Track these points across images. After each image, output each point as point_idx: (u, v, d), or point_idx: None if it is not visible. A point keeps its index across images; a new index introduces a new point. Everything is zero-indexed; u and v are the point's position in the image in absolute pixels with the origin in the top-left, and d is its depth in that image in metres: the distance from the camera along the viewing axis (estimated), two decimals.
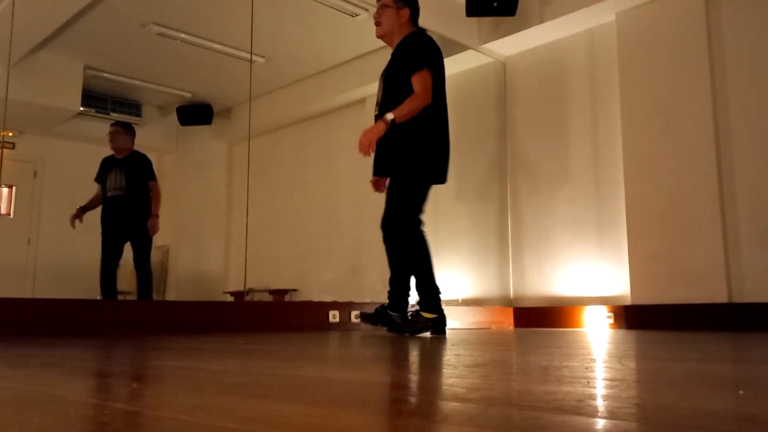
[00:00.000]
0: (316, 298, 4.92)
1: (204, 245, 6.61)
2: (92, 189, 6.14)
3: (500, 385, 1.02)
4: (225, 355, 1.76)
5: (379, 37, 3.18)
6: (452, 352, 1.90)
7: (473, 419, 0.69)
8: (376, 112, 3.14)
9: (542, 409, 0.75)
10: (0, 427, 0.64)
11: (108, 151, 5.02)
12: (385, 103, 3.08)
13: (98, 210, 4.88)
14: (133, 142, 4.85)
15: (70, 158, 5.95)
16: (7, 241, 5.48)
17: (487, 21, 5.33)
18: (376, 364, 1.55)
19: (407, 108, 2.97)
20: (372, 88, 4.38)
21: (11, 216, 5.26)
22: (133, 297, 5.70)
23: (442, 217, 5.63)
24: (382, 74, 3.22)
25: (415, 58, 3.06)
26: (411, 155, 3.06)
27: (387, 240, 3.12)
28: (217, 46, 5.63)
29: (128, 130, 4.88)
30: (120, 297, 5.71)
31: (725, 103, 4.23)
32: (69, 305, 3.16)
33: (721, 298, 4.02)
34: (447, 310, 3.40)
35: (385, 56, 3.30)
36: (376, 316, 3.21)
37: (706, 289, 4.08)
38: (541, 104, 5.30)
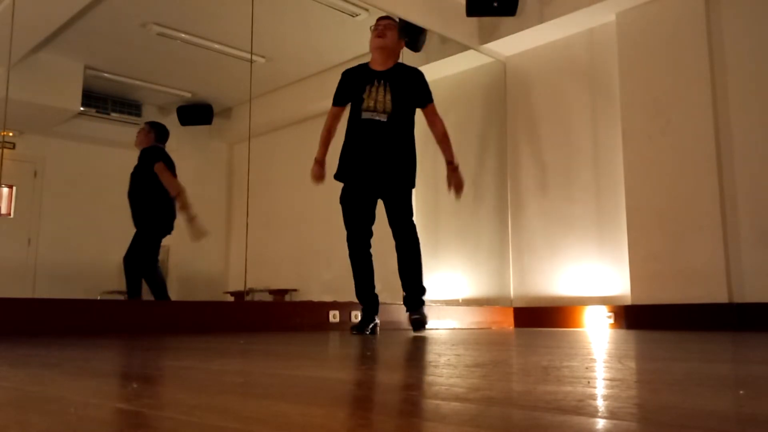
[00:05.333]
0: (316, 298, 4.92)
1: (204, 245, 6.59)
2: (91, 189, 6.14)
3: (500, 385, 1.02)
4: (225, 355, 1.76)
5: (381, 47, 3.45)
6: (452, 352, 1.90)
7: (473, 419, 0.69)
8: (380, 118, 3.33)
9: (542, 409, 0.75)
10: (0, 427, 0.64)
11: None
12: (395, 115, 3.34)
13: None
14: (151, 139, 4.79)
15: (70, 158, 5.94)
16: (7, 241, 5.48)
17: (487, 21, 5.33)
18: (376, 364, 1.55)
19: (450, 145, 3.47)
20: None
21: (11, 216, 5.26)
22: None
23: (442, 217, 5.63)
24: (383, 82, 3.39)
25: (429, 92, 3.48)
26: (414, 167, 3.43)
27: (409, 235, 3.34)
28: (217, 46, 5.63)
29: (151, 128, 4.88)
30: (121, 297, 5.71)
31: (725, 102, 4.23)
32: (69, 305, 3.16)
33: (722, 297, 4.02)
34: (447, 310, 3.44)
35: None
36: (423, 317, 3.32)
37: (706, 288, 4.08)
38: (541, 104, 5.30)
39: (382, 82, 3.38)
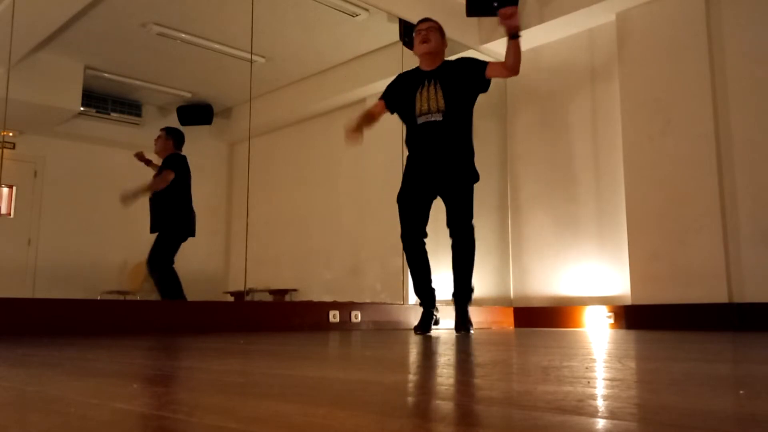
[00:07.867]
0: (316, 298, 4.92)
1: (204, 245, 6.61)
2: (91, 189, 6.13)
3: (500, 385, 1.02)
4: (225, 355, 1.76)
5: (427, 52, 3.48)
6: (452, 352, 1.90)
7: (473, 419, 0.69)
8: (436, 118, 3.36)
9: (542, 409, 0.75)
10: (0, 427, 0.64)
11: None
12: (450, 112, 3.38)
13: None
14: (170, 146, 4.79)
15: (70, 158, 5.95)
16: (7, 241, 5.48)
17: (487, 21, 5.32)
18: (376, 364, 1.55)
19: (518, 55, 3.37)
20: (373, 88, 4.35)
21: (11, 216, 5.26)
22: (134, 297, 5.70)
23: (443, 217, 5.62)
24: (434, 81, 3.43)
25: (480, 62, 3.51)
26: (472, 161, 3.52)
27: (466, 238, 3.46)
28: (217, 46, 5.63)
29: (168, 135, 4.88)
30: (120, 297, 5.71)
31: (725, 102, 4.23)
32: (69, 305, 3.16)
33: (721, 297, 4.02)
34: (448, 311, 3.46)
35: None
36: (468, 321, 3.40)
37: (706, 288, 4.08)
38: (541, 104, 5.30)
39: (432, 81, 3.44)
